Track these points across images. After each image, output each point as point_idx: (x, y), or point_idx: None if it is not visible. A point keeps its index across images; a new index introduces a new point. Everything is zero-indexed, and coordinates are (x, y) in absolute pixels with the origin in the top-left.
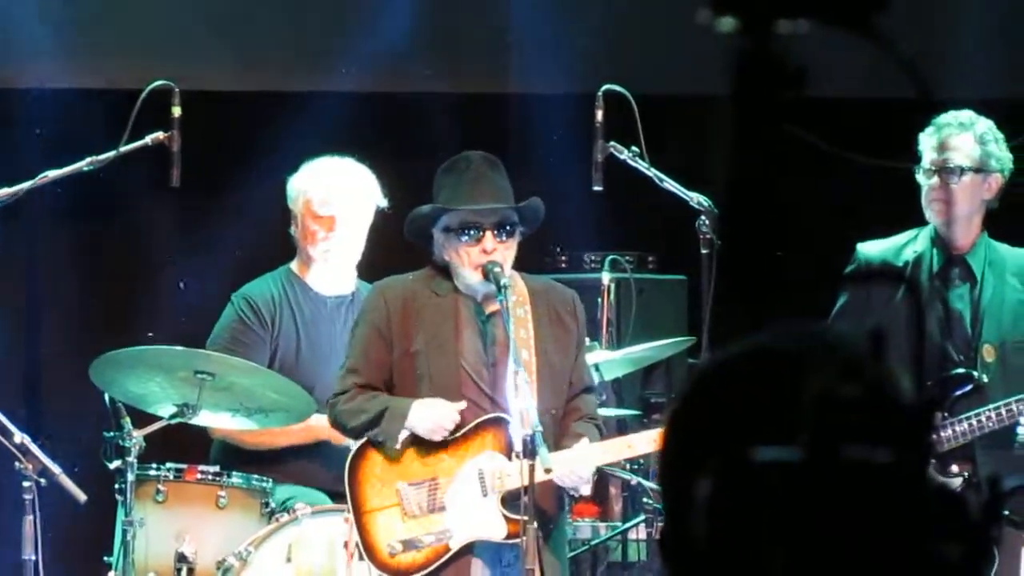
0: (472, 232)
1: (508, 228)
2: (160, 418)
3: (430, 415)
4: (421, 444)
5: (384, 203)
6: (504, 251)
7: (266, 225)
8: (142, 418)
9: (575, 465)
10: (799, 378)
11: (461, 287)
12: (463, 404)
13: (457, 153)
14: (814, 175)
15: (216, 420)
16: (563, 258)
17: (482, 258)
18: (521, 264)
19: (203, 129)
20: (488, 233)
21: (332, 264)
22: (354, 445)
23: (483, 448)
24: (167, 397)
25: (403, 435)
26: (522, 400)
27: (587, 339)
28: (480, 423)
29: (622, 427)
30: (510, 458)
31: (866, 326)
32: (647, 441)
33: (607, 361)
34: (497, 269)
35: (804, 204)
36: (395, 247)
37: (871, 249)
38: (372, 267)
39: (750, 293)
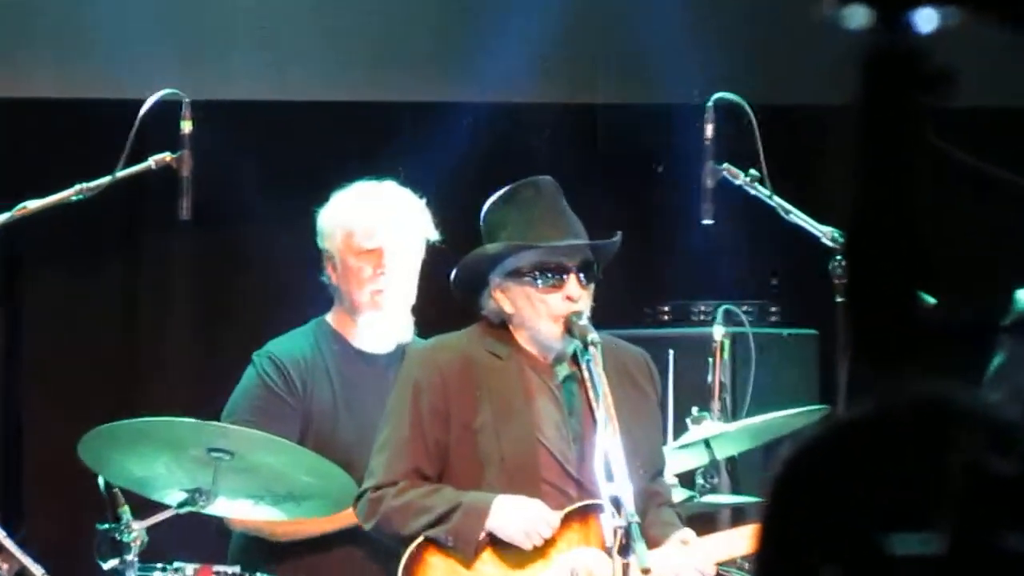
0: (552, 275)
1: (591, 269)
2: (167, 506)
3: (522, 517)
4: (496, 543)
5: (435, 235)
6: (586, 298)
7: (300, 268)
8: (144, 506)
9: (684, 565)
10: (942, 451)
11: (534, 345)
12: (560, 513)
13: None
14: (965, 202)
15: (235, 509)
16: (665, 309)
17: (564, 307)
18: (605, 316)
19: (220, 148)
20: (572, 277)
21: (386, 310)
22: (410, 543)
23: (573, 543)
24: (175, 481)
25: (480, 538)
26: (616, 484)
27: (695, 408)
28: (568, 514)
29: (738, 517)
30: (609, 554)
31: None
32: None
33: (720, 435)
34: (583, 322)
35: (954, 238)
36: (446, 293)
37: None
38: (420, 320)
39: (892, 349)
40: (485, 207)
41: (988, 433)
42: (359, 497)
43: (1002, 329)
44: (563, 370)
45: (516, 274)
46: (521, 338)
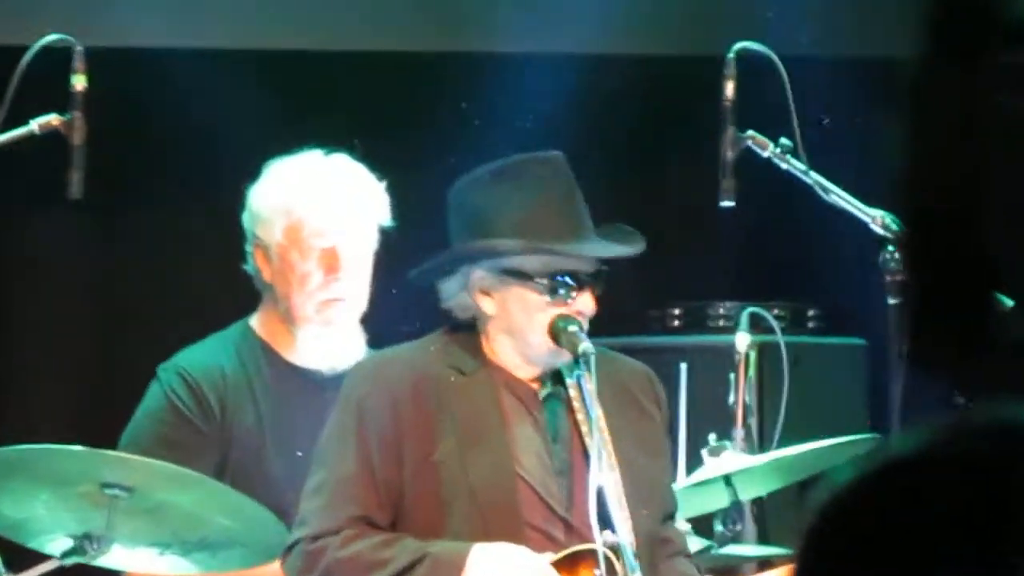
0: (566, 286)
1: (601, 281)
2: (49, 556)
3: (508, 570)
4: None
5: (388, 220)
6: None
7: (221, 261)
8: (20, 556)
9: None
10: (1008, 486)
11: (515, 357)
12: (550, 556)
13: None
14: None
15: (135, 560)
16: (676, 313)
17: (568, 320)
18: (602, 322)
19: (121, 109)
20: (588, 291)
21: (336, 325)
22: None
23: None
24: (59, 524)
25: None
26: (614, 527)
27: (713, 436)
28: (555, 563)
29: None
30: None
31: None
32: None
33: (744, 471)
34: (572, 328)
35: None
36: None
37: None
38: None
39: (959, 363)
40: (469, 180)
41: None
42: (290, 548)
43: None
44: (545, 388)
45: (518, 275)
46: (496, 348)
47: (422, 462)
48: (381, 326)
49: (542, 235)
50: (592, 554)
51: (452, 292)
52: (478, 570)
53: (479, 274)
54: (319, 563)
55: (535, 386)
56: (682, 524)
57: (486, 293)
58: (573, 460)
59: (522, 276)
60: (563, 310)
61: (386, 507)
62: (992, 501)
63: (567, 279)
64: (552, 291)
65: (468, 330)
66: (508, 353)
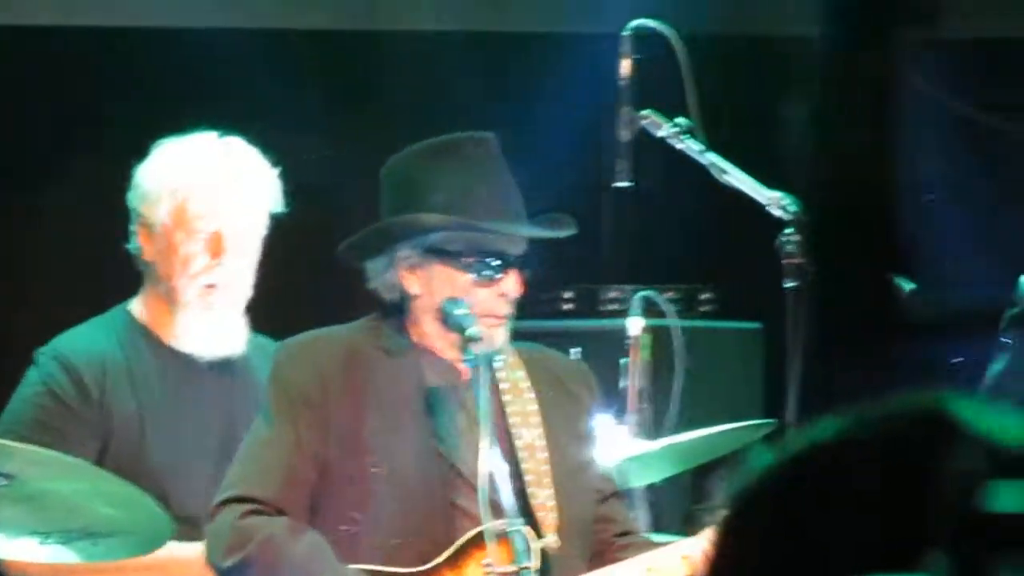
0: (492, 266)
1: (529, 263)
2: None
3: None
4: None
5: (281, 205)
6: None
7: (104, 242)
8: None
9: None
10: (928, 475)
11: (439, 339)
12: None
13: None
14: (956, 155)
15: (14, 549)
16: (566, 296)
17: (496, 306)
18: None
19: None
20: (514, 271)
21: (218, 310)
22: None
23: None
24: None
25: None
26: (508, 511)
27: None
28: (471, 541)
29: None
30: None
31: None
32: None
33: (638, 457)
34: (461, 311)
35: (942, 204)
36: (298, 277)
37: None
38: (263, 313)
39: (860, 346)
40: (401, 157)
41: (989, 452)
42: (217, 509)
43: (1006, 323)
44: (468, 371)
45: (444, 254)
46: (423, 329)
47: (347, 438)
48: (288, 314)
49: (470, 213)
50: (494, 538)
51: (378, 271)
52: None
53: (404, 252)
54: (254, 537)
55: (462, 367)
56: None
57: (411, 271)
58: (500, 441)
59: (447, 255)
60: (489, 290)
61: (311, 480)
62: (909, 484)
63: (493, 259)
64: (477, 270)
65: (398, 314)
66: (434, 334)
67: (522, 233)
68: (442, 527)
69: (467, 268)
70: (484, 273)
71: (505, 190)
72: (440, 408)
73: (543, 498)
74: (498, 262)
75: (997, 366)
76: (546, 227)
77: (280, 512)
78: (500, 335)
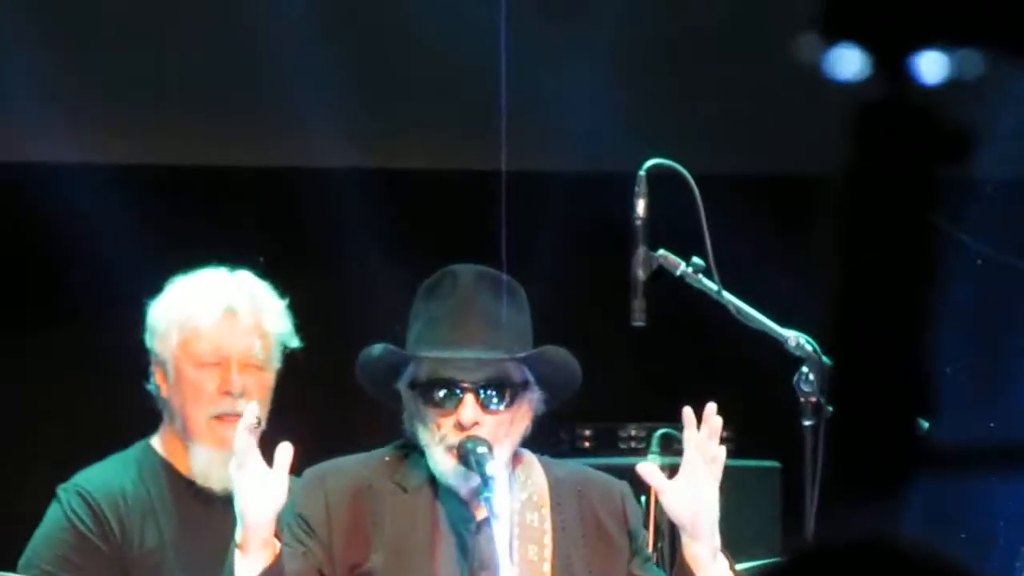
0: (445, 393)
1: (504, 391)
2: None
3: None
4: None
5: (295, 342)
6: (496, 426)
7: (131, 377)
8: None
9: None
10: None
11: (438, 477)
12: None
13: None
14: (976, 299)
15: None
16: (586, 434)
17: (458, 435)
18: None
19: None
20: (469, 397)
21: (232, 441)
22: None
23: None
24: None
25: None
26: None
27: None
28: None
29: None
30: None
31: None
32: None
33: None
34: (481, 449)
35: (961, 345)
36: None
37: None
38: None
39: (878, 485)
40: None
41: None
42: None
43: None
44: (479, 510)
45: (412, 387)
46: (440, 466)
47: (348, 573)
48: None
49: (427, 345)
50: None
51: (404, 416)
52: None
53: (404, 395)
54: None
55: (472, 508)
56: None
57: (406, 407)
58: None
59: (413, 387)
60: (450, 419)
61: None
62: None
63: (442, 388)
64: (435, 398)
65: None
66: (449, 472)
67: (457, 356)
68: None
69: (426, 398)
70: (440, 402)
71: (471, 319)
72: (445, 553)
73: None
74: (448, 391)
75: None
76: (501, 352)
77: None
78: (497, 467)
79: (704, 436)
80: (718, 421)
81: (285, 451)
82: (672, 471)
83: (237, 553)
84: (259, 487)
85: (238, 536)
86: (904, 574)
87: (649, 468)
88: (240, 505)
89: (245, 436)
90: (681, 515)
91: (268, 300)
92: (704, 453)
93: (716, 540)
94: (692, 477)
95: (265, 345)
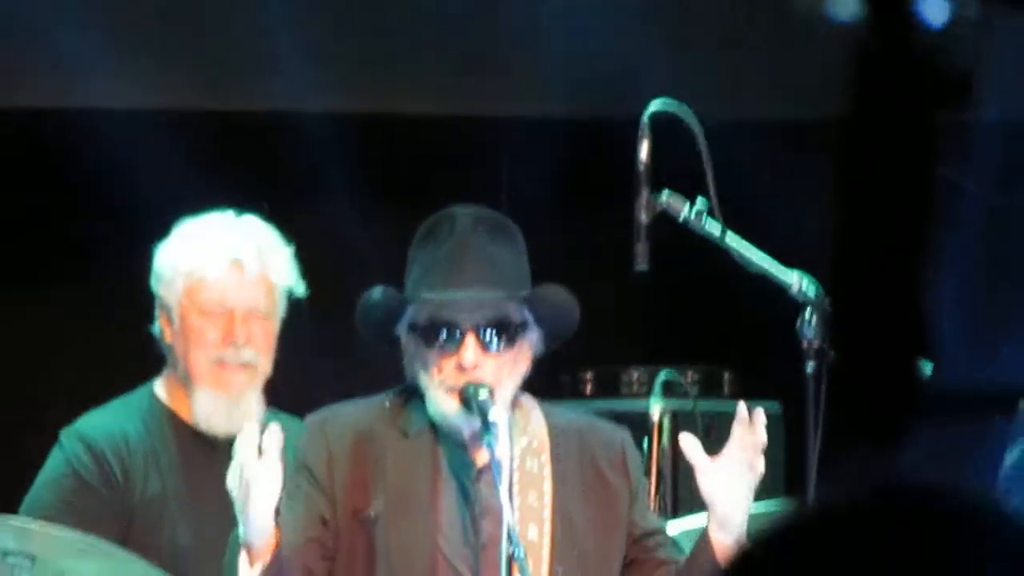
0: (445, 335)
1: (505, 331)
2: None
3: None
4: None
5: (302, 290)
6: (497, 367)
7: (132, 320)
8: None
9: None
10: (886, 539)
11: (439, 420)
12: None
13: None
14: (975, 242)
15: None
16: (587, 377)
17: (460, 377)
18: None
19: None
20: (469, 338)
21: (235, 387)
22: None
23: None
24: None
25: None
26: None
27: None
28: None
29: None
30: None
31: None
32: None
33: None
34: (483, 396)
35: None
36: (328, 360)
37: None
38: (288, 393)
39: (880, 430)
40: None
41: (1003, 545)
42: None
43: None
44: (484, 455)
45: (412, 330)
46: (442, 408)
47: (351, 518)
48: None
49: (426, 288)
50: None
51: (404, 360)
52: None
53: (401, 335)
54: None
55: (472, 453)
56: None
57: (406, 351)
58: (492, 534)
59: (414, 330)
60: (450, 361)
61: (313, 560)
62: (874, 553)
63: (444, 329)
64: (435, 340)
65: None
66: (452, 415)
67: (457, 297)
68: None
69: (427, 341)
70: (440, 344)
71: (469, 260)
72: (447, 499)
73: None
74: (448, 332)
75: (1015, 453)
76: (498, 290)
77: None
78: (499, 412)
79: (750, 443)
80: (764, 435)
81: (275, 435)
82: (674, 415)
83: (244, 557)
84: (263, 489)
85: (242, 536)
86: (939, 522)
87: (690, 443)
88: (247, 510)
89: (252, 449)
90: (713, 502)
91: (274, 250)
92: (747, 456)
93: (743, 533)
94: (729, 472)
95: (270, 296)
